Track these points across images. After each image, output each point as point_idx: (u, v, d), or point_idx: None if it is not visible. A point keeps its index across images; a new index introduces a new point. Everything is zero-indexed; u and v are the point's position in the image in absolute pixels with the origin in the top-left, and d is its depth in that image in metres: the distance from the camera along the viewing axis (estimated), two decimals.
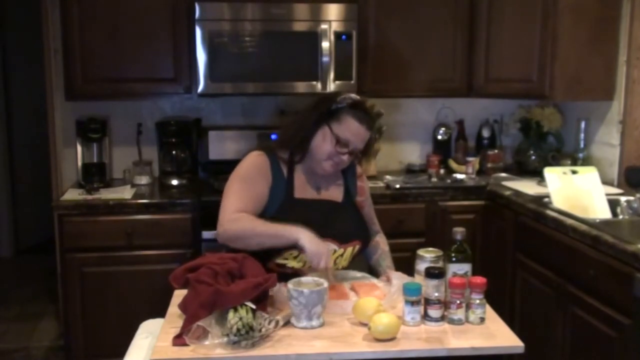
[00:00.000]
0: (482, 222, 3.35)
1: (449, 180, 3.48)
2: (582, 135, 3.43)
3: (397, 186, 3.34)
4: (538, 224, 2.85)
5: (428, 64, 3.51)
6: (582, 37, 3.19)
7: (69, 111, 3.56)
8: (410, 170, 3.77)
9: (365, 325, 1.77)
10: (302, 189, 2.22)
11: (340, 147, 2.14)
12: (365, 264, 2.32)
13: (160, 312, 1.97)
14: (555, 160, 3.42)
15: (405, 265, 2.20)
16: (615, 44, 3.23)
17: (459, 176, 3.54)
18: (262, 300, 1.78)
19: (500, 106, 3.84)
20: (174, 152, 3.53)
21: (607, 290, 2.34)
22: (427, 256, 1.94)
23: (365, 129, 2.15)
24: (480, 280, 1.84)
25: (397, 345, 1.72)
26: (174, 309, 1.90)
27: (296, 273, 2.07)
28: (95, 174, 3.45)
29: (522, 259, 3.01)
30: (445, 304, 1.83)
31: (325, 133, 2.14)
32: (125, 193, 3.24)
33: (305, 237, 1.97)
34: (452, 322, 1.83)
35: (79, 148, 3.50)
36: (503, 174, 3.59)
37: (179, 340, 1.71)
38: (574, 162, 3.34)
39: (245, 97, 3.64)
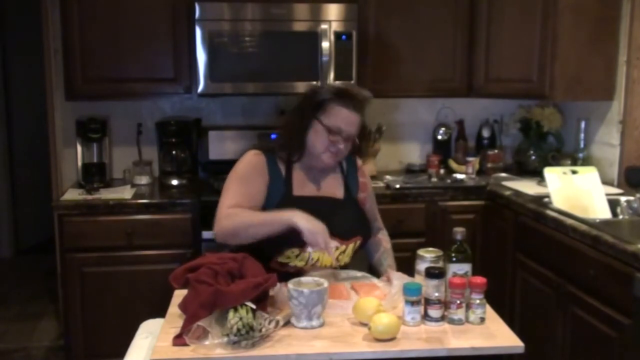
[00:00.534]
0: (482, 222, 3.35)
1: (449, 180, 3.47)
2: (582, 135, 3.43)
3: (397, 186, 3.34)
4: (538, 224, 2.85)
5: (428, 64, 3.51)
6: (582, 37, 3.19)
7: (69, 111, 3.56)
8: (410, 170, 3.77)
9: (365, 325, 1.77)
10: (302, 187, 2.21)
11: (333, 136, 2.13)
12: (366, 262, 2.32)
13: (160, 312, 1.97)
14: (555, 160, 3.42)
15: (406, 265, 2.20)
16: (615, 44, 3.23)
17: (459, 176, 3.53)
18: (262, 300, 1.78)
19: (500, 106, 3.84)
20: (174, 152, 3.53)
21: (607, 290, 2.34)
22: (427, 256, 1.94)
23: (354, 113, 2.15)
24: (480, 280, 1.84)
25: (397, 345, 1.72)
26: (174, 309, 1.90)
27: (298, 272, 2.06)
28: (95, 174, 3.45)
29: (522, 259, 3.01)
30: (445, 304, 1.83)
31: (316, 128, 2.14)
32: (125, 193, 3.24)
33: (299, 217, 1.95)
34: (452, 322, 1.83)
35: (79, 148, 3.50)
36: (503, 174, 3.59)
37: (179, 340, 1.71)
38: (574, 162, 3.34)
39: (245, 97, 3.64)
